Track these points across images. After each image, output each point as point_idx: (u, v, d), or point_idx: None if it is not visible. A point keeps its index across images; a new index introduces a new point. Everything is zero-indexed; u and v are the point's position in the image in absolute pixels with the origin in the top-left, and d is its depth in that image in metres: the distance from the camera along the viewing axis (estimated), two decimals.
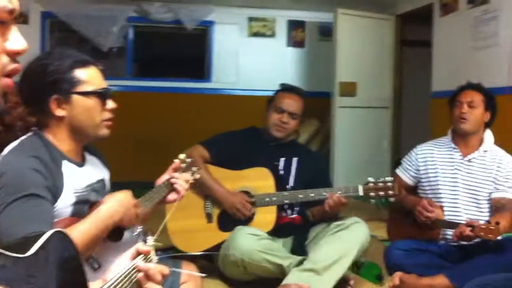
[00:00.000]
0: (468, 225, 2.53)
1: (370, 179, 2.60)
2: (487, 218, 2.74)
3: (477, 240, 2.54)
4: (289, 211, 2.83)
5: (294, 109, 2.84)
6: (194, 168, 2.02)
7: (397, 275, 2.68)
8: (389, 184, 2.57)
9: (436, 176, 2.90)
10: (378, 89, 6.19)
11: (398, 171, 3.08)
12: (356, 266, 2.96)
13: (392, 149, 6.26)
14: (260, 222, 2.68)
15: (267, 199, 2.67)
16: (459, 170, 2.86)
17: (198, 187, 2.67)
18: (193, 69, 6.99)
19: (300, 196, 2.64)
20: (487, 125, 2.89)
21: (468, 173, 2.84)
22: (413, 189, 3.05)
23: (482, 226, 2.45)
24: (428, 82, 5.57)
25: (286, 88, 2.97)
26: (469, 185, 2.83)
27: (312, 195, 2.62)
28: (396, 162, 5.66)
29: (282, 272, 2.49)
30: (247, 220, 2.70)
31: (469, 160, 2.85)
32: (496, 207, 2.75)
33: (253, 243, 2.49)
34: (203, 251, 2.70)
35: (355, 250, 2.51)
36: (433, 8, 5.50)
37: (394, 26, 6.24)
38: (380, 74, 6.19)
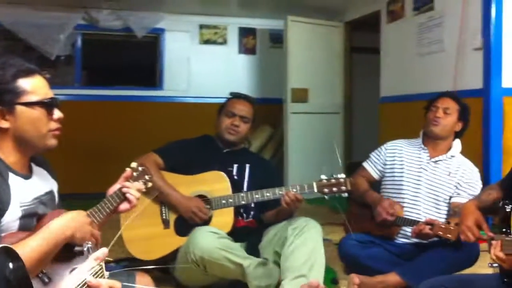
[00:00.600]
0: (428, 223, 2.58)
1: (323, 176, 2.65)
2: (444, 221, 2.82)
3: (434, 239, 2.60)
4: (244, 215, 2.85)
5: (245, 113, 2.91)
6: (147, 177, 1.99)
7: (353, 276, 2.72)
8: (342, 180, 2.61)
9: (401, 173, 2.96)
10: (329, 95, 6.29)
11: (365, 164, 3.13)
12: None
13: (343, 154, 6.36)
14: (218, 224, 2.67)
15: (224, 201, 2.69)
16: (425, 170, 2.93)
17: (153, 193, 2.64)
18: (144, 77, 6.92)
19: (257, 196, 2.66)
20: (458, 135, 2.98)
21: (432, 174, 2.91)
22: (375, 183, 3.10)
23: (442, 226, 2.51)
24: (377, 88, 5.69)
25: (236, 95, 3.02)
26: (431, 185, 2.90)
27: (268, 194, 2.64)
28: (348, 166, 5.76)
29: (242, 274, 2.48)
30: (204, 224, 2.69)
31: (435, 162, 2.93)
32: (454, 211, 2.81)
33: (213, 240, 2.48)
34: (159, 258, 2.67)
35: (321, 248, 2.55)
36: (380, 15, 5.63)
37: (343, 33, 6.36)
38: (330, 80, 6.29)
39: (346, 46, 6.42)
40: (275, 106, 6.15)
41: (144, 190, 1.94)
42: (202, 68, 6.59)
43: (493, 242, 1.62)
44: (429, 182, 2.91)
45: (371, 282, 2.66)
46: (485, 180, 3.99)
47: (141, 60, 7.02)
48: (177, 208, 2.72)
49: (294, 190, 2.61)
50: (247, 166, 2.92)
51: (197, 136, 3.05)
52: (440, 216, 2.85)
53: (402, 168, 2.97)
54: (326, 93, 6.24)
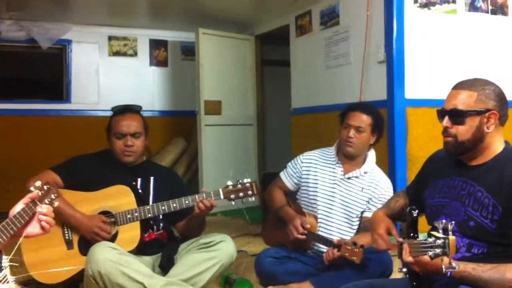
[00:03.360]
0: (336, 245, 2.64)
1: (229, 182, 2.64)
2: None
3: None
4: (155, 227, 2.77)
5: (134, 128, 2.74)
6: (52, 195, 1.89)
7: None
8: (248, 185, 2.61)
9: (315, 187, 2.94)
10: (242, 107, 6.35)
11: (282, 175, 3.07)
12: (228, 284, 2.97)
13: (258, 165, 6.42)
14: (124, 240, 2.58)
15: (129, 215, 2.59)
16: (338, 186, 2.91)
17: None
18: (50, 90, 6.64)
19: (163, 207, 2.59)
20: (372, 145, 2.96)
21: (346, 190, 2.90)
22: (292, 193, 3.07)
23: (348, 247, 2.56)
24: (288, 99, 5.81)
25: (118, 111, 2.84)
26: (345, 201, 2.89)
27: (175, 205, 2.59)
28: (263, 177, 5.82)
29: None
30: (110, 241, 2.58)
31: (348, 178, 2.91)
32: (364, 225, 2.86)
33: (112, 255, 2.38)
34: (67, 280, 2.55)
35: (216, 267, 2.54)
36: (289, 29, 5.77)
37: (254, 46, 6.45)
38: (243, 92, 6.36)
39: (257, 59, 6.51)
40: (188, 118, 6.12)
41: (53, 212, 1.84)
42: (112, 80, 6.45)
43: (404, 245, 1.68)
44: (343, 198, 2.89)
45: None
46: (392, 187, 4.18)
47: (46, 73, 6.74)
48: (78, 229, 2.58)
49: (201, 197, 2.58)
50: (152, 178, 2.81)
51: (98, 151, 2.91)
52: (352, 232, 2.90)
53: (316, 184, 2.94)
54: (238, 105, 6.29)
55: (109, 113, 6.55)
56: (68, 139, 5.91)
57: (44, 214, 1.76)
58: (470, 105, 1.80)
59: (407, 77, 4.26)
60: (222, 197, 2.61)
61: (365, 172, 2.91)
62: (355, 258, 2.54)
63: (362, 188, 2.89)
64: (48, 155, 5.00)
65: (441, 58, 4.37)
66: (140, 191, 2.76)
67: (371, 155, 2.98)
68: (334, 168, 2.94)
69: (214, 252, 2.57)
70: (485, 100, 1.80)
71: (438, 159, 2.04)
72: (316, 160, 3.00)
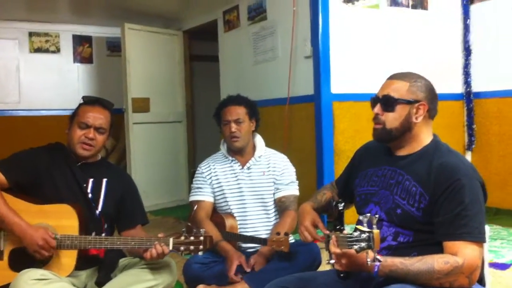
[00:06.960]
0: (262, 240, 2.66)
1: (184, 231, 2.38)
2: (274, 220, 2.93)
3: None
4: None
5: (100, 123, 2.57)
6: None
7: (201, 287, 2.71)
8: (201, 238, 2.35)
9: (221, 191, 2.95)
10: (171, 103, 6.27)
11: (197, 197, 2.99)
12: None
13: (188, 162, 6.38)
14: (57, 266, 2.39)
15: (69, 242, 2.38)
16: (242, 179, 2.94)
17: None
18: None
19: (106, 242, 2.43)
20: (254, 130, 3.04)
21: (250, 180, 2.94)
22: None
23: (274, 239, 2.59)
24: (218, 95, 5.79)
25: (89, 101, 2.65)
26: (254, 191, 2.94)
27: (119, 243, 2.42)
28: (192, 174, 5.78)
29: None
30: (42, 261, 2.42)
31: (248, 168, 2.97)
32: (279, 206, 2.92)
33: None
34: None
35: None
36: (217, 24, 5.75)
37: (182, 42, 6.38)
38: (172, 89, 6.28)
39: (186, 54, 6.45)
40: (115, 116, 5.90)
41: None
42: (34, 78, 6.23)
43: (332, 238, 1.71)
44: (251, 189, 2.94)
45: None
46: (319, 180, 4.26)
47: None
48: (21, 240, 2.36)
49: (149, 243, 2.35)
50: (104, 180, 2.62)
51: (47, 144, 2.66)
52: (270, 218, 2.94)
53: (220, 186, 2.95)
54: (167, 102, 6.21)
55: (32, 113, 6.36)
56: None
57: None
58: (401, 94, 1.85)
59: (333, 72, 4.34)
60: (170, 247, 2.35)
61: (259, 157, 3.00)
62: (283, 247, 2.57)
63: (263, 172, 2.96)
64: None
65: (365, 52, 4.49)
66: (90, 195, 2.56)
67: (259, 140, 3.06)
68: (232, 166, 2.98)
69: (158, 274, 2.43)
70: (416, 91, 1.86)
71: (368, 150, 2.09)
72: (213, 165, 3.02)
